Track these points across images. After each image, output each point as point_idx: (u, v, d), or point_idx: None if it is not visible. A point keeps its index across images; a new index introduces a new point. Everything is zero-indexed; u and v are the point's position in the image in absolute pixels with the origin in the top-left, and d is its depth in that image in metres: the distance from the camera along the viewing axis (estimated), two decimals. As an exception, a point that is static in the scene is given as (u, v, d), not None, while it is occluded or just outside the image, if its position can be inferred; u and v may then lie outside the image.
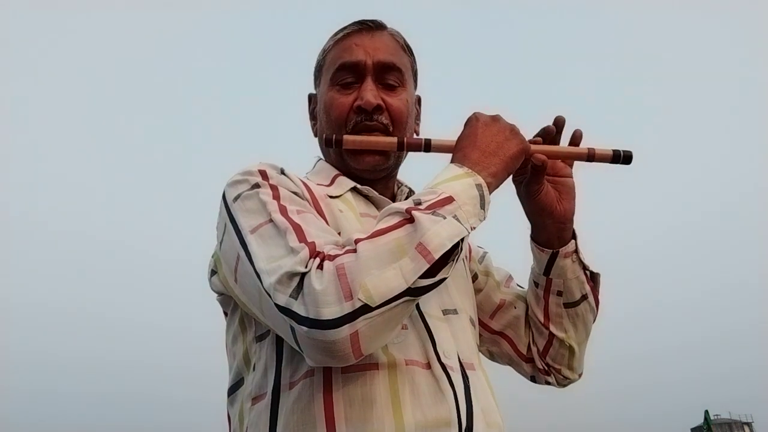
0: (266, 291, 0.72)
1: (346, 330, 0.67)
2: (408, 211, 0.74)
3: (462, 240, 0.74)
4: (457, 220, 0.74)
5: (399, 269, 0.69)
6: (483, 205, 0.79)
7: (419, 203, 0.76)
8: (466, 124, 0.91)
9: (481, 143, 0.86)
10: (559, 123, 0.98)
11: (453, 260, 0.73)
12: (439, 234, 0.71)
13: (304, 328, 0.68)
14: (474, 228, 0.77)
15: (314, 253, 0.72)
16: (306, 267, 0.70)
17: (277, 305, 0.70)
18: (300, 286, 0.69)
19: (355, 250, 0.71)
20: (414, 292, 0.70)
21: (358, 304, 0.67)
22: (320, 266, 0.70)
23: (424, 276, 0.70)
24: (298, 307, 0.68)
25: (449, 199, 0.76)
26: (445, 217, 0.74)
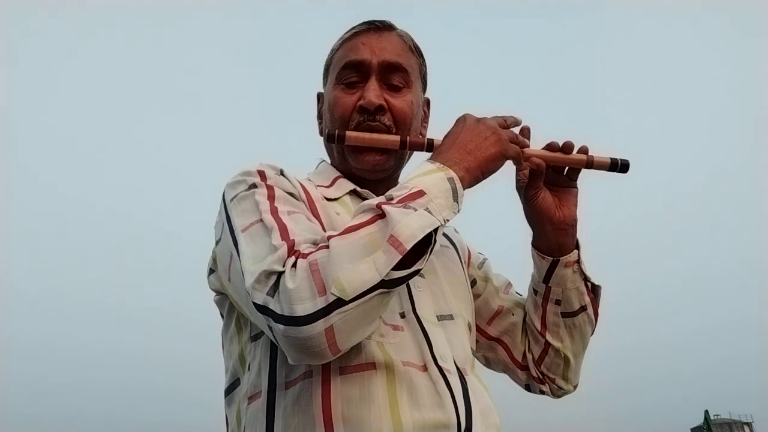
0: (247, 290, 0.72)
1: (320, 325, 0.67)
2: (379, 206, 0.75)
3: (435, 231, 0.75)
4: (429, 212, 0.75)
5: (372, 262, 0.70)
6: (456, 198, 0.80)
7: (391, 198, 0.78)
8: (454, 124, 0.92)
9: (460, 142, 0.87)
10: (568, 146, 0.99)
11: (427, 252, 0.74)
12: (409, 225, 0.72)
13: (281, 326, 0.68)
14: (448, 220, 0.78)
15: (291, 252, 0.73)
16: (283, 266, 0.71)
17: (255, 304, 0.71)
18: (276, 284, 0.70)
19: (327, 246, 0.72)
20: (388, 284, 0.71)
21: (332, 299, 0.67)
22: (294, 264, 0.71)
23: (397, 267, 0.70)
24: (274, 305, 0.69)
25: (420, 193, 0.77)
26: (416, 209, 0.74)
